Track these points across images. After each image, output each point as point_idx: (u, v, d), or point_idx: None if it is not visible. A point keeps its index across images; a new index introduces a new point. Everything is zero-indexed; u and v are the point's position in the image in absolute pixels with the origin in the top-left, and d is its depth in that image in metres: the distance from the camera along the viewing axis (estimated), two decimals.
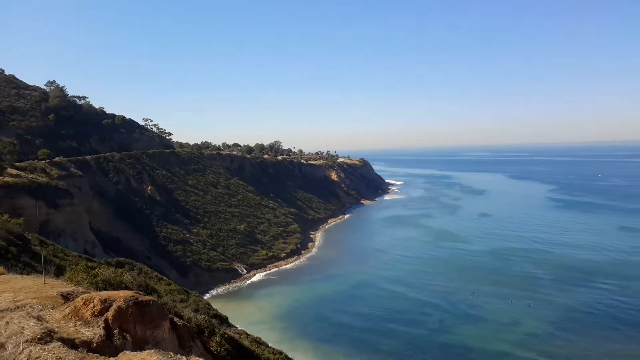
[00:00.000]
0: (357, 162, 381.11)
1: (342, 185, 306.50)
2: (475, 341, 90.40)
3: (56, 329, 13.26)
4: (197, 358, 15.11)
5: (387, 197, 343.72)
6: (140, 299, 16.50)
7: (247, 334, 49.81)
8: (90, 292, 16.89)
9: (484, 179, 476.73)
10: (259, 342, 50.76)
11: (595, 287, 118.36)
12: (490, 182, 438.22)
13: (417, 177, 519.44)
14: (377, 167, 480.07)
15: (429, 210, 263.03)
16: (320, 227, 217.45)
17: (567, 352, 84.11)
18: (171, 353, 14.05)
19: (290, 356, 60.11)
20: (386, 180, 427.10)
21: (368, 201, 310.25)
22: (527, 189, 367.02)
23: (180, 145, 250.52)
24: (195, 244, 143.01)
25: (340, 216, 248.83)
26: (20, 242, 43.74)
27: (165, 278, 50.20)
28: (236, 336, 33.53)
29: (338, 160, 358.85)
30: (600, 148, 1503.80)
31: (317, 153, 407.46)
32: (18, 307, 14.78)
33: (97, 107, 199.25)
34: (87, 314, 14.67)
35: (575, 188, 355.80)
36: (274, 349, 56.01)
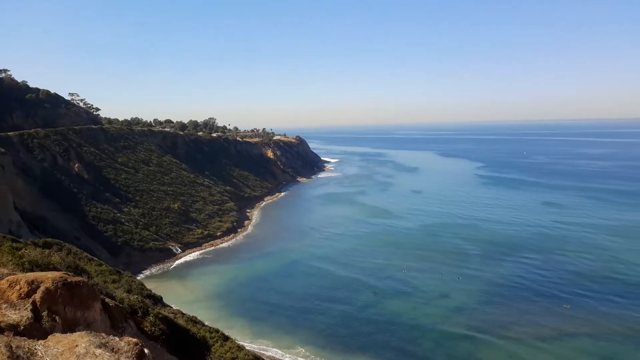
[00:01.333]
0: (293, 140, 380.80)
1: (279, 163, 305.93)
2: (407, 315, 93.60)
3: None
4: (130, 338, 14.88)
5: (322, 174, 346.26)
6: (69, 280, 16.04)
7: (183, 314, 49.43)
8: (16, 274, 16.25)
9: (415, 156, 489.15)
10: (194, 321, 50.51)
11: (518, 261, 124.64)
12: (422, 159, 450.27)
13: (352, 154, 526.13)
14: (313, 145, 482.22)
15: (363, 187, 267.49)
16: (256, 205, 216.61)
17: (492, 323, 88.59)
18: (103, 334, 13.80)
19: (227, 334, 60.26)
20: (322, 158, 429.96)
21: (304, 179, 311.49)
22: (456, 167, 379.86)
23: (109, 121, 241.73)
24: (127, 224, 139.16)
25: (277, 194, 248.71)
26: None
27: (95, 259, 48.74)
28: (171, 316, 33.24)
29: (274, 138, 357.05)
30: (525, 127, 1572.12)
31: (252, 131, 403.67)
32: None
33: (19, 80, 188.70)
34: (13, 297, 14.14)
35: (502, 165, 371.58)
36: (210, 328, 55.93)
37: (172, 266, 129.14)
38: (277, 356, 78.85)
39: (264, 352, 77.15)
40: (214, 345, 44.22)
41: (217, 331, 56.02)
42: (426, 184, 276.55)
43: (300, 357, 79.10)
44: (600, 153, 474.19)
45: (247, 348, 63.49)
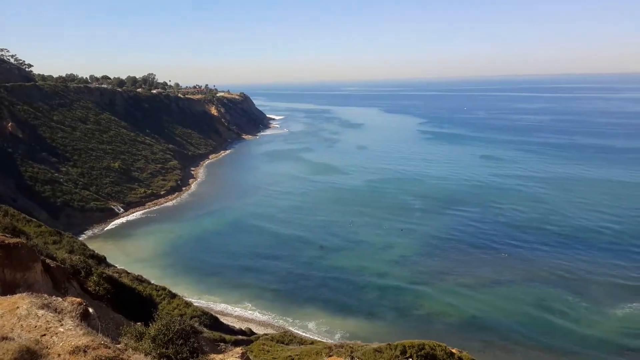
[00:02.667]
0: (237, 97, 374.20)
1: (223, 120, 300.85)
2: (352, 268, 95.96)
3: None
4: (74, 298, 14.72)
5: (268, 131, 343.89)
6: (6, 242, 15.61)
7: (128, 273, 49.03)
8: None
9: (360, 113, 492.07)
10: (140, 279, 50.25)
11: (458, 214, 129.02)
12: (366, 115, 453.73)
13: (298, 111, 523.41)
14: (258, 102, 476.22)
15: (309, 144, 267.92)
16: (201, 163, 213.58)
17: (434, 274, 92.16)
18: (45, 295, 13.58)
19: (174, 292, 60.35)
20: (267, 115, 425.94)
21: (249, 136, 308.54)
22: (399, 123, 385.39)
23: (43, 78, 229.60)
24: (66, 184, 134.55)
25: (222, 152, 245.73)
26: None
27: (34, 220, 47.29)
28: (115, 275, 32.88)
29: (217, 95, 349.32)
30: (466, 83, 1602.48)
31: (195, 87, 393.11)
32: None
33: None
34: None
35: (443, 121, 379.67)
36: (156, 286, 55.89)
37: (115, 226, 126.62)
38: (226, 310, 79.66)
39: (212, 308, 77.76)
40: (161, 302, 44.29)
41: (164, 289, 56.13)
42: (371, 140, 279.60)
43: (248, 310, 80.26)
44: (537, 107, 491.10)
45: (195, 304, 63.89)
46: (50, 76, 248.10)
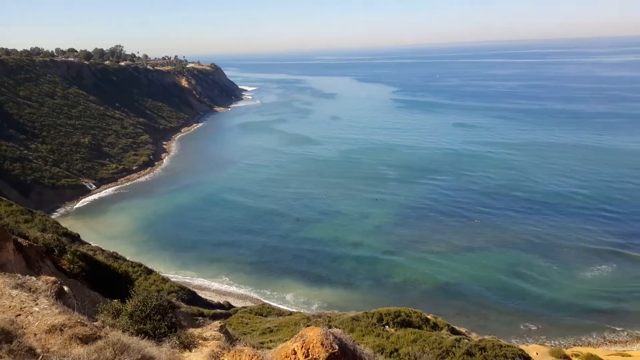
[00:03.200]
0: (208, 68, 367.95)
1: (194, 92, 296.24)
2: (328, 238, 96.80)
3: None
4: (48, 277, 14.63)
5: (241, 103, 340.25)
6: None
7: (102, 250, 48.72)
8: None
9: (333, 82, 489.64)
10: (115, 256, 49.97)
11: (431, 183, 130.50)
12: (340, 85, 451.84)
13: (270, 82, 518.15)
14: (230, 73, 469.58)
15: (282, 115, 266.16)
16: (173, 136, 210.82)
17: (408, 242, 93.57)
18: (19, 275, 13.48)
19: (150, 267, 60.21)
20: (239, 87, 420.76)
21: (222, 108, 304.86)
22: (373, 91, 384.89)
23: (6, 52, 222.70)
24: (35, 161, 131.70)
25: (194, 124, 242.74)
26: None
27: (4, 199, 46.45)
28: (90, 252, 32.62)
29: (188, 66, 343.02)
30: (438, 49, 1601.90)
31: (164, 58, 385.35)
32: None
33: None
34: None
35: (416, 89, 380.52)
36: (132, 262, 55.66)
37: (88, 203, 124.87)
38: (204, 285, 79.89)
39: (190, 282, 77.91)
40: (137, 279, 44.21)
41: (140, 265, 55.95)
42: (344, 110, 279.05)
43: (225, 284, 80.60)
44: (509, 74, 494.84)
45: (172, 280, 63.93)
46: (15, 50, 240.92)
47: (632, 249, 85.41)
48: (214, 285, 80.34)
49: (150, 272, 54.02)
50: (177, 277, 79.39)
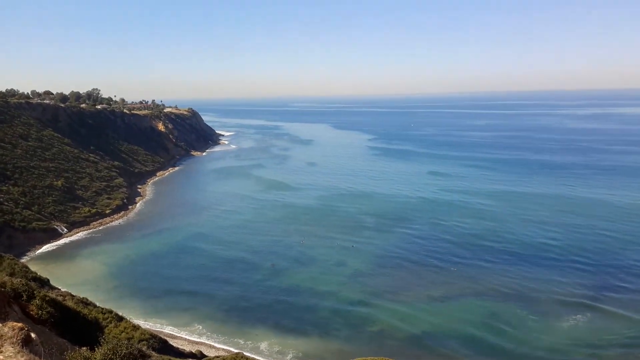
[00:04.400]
0: (185, 112, 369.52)
1: (171, 136, 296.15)
2: (304, 285, 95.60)
3: None
4: (15, 323, 14.05)
5: (218, 148, 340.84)
6: None
7: (72, 296, 47.18)
8: None
9: (310, 129, 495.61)
10: (85, 302, 48.43)
11: (407, 230, 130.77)
12: (316, 132, 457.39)
13: (248, 127, 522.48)
14: (207, 118, 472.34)
15: (259, 160, 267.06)
16: (148, 180, 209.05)
17: (385, 289, 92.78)
18: None
19: (121, 314, 58.43)
20: (217, 131, 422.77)
21: (198, 153, 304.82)
22: (349, 139, 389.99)
23: None
24: (6, 203, 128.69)
25: (170, 169, 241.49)
26: None
27: None
28: (59, 298, 31.57)
29: (165, 110, 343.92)
30: (412, 100, 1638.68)
31: (141, 102, 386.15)
32: None
33: None
34: None
35: (392, 137, 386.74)
36: (102, 309, 53.94)
37: (59, 247, 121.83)
38: (175, 333, 77.66)
39: (161, 331, 75.70)
40: (107, 326, 42.80)
41: (111, 312, 54.21)
42: (321, 156, 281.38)
43: (196, 334, 78.40)
44: (482, 124, 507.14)
45: (143, 327, 61.97)
46: None
47: (605, 300, 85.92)
48: (186, 334, 78.09)
49: (120, 319, 52.34)
50: (148, 324, 77.06)
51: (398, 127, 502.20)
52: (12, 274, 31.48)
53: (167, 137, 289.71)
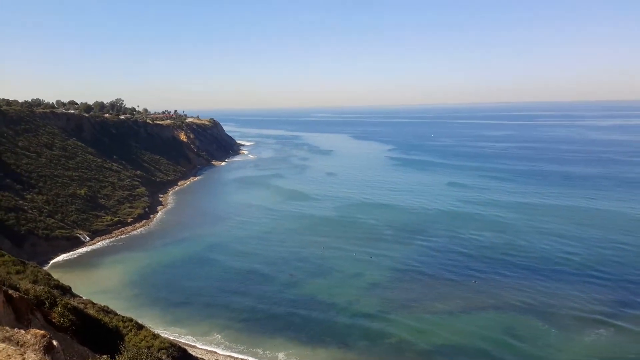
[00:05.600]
0: (207, 123, 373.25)
1: (192, 146, 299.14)
2: (323, 295, 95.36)
3: None
4: (37, 331, 14.33)
5: (238, 158, 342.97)
6: None
7: (93, 304, 47.74)
8: None
9: (330, 139, 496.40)
10: (106, 310, 48.97)
11: (426, 240, 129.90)
12: (336, 142, 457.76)
13: (268, 137, 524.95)
14: (228, 128, 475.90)
15: (279, 170, 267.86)
16: (169, 189, 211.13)
17: (404, 300, 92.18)
18: (7, 327, 13.21)
19: (141, 323, 58.88)
20: (237, 141, 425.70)
21: (219, 162, 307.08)
22: (368, 149, 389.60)
23: (8, 102, 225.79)
24: (30, 211, 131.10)
25: (191, 178, 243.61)
26: None
27: None
28: (81, 306, 32.04)
29: (187, 120, 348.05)
30: (432, 110, 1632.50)
31: (164, 112, 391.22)
32: None
33: None
34: None
35: (411, 147, 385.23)
36: (123, 317, 54.45)
37: (81, 255, 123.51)
38: (194, 342, 78.01)
39: (180, 339, 76.11)
40: (127, 334, 43.20)
41: (131, 320, 54.72)
42: (340, 166, 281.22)
43: (214, 344, 78.58)
44: (502, 135, 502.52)
45: (162, 336, 62.41)
46: (16, 101, 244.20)
47: (626, 317, 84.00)
48: (204, 343, 78.36)
49: (140, 327, 52.77)
50: (167, 333, 77.55)
51: (417, 137, 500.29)
52: (35, 282, 32.04)
53: (188, 147, 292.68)
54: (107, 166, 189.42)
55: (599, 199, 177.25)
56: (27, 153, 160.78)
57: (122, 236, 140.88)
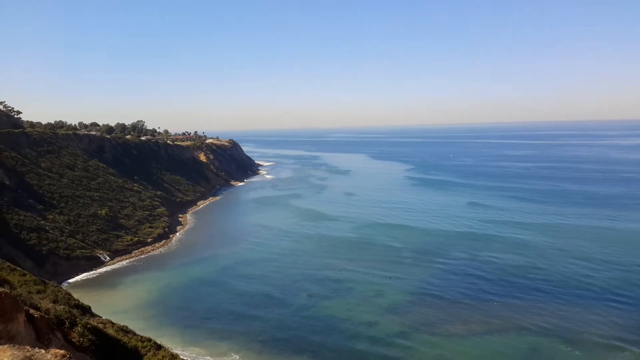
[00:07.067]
0: (226, 143, 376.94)
1: (212, 166, 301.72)
2: (341, 316, 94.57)
3: None
4: (57, 350, 14.42)
5: (257, 178, 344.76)
6: None
7: (113, 323, 47.90)
8: None
9: (348, 159, 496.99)
10: (125, 330, 49.07)
11: (446, 261, 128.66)
12: (354, 162, 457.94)
13: (287, 157, 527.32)
14: (247, 148, 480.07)
15: (298, 190, 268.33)
16: (189, 209, 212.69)
17: (424, 322, 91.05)
18: (28, 347, 13.31)
19: (159, 343, 58.82)
20: (256, 162, 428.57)
21: (238, 182, 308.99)
22: (387, 169, 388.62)
23: (32, 124, 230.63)
24: (52, 231, 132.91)
25: (210, 198, 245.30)
26: None
27: (19, 268, 46.47)
28: (100, 326, 32.20)
29: (207, 141, 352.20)
30: (451, 129, 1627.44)
31: (184, 134, 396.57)
32: None
33: None
34: None
35: (430, 167, 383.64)
36: (142, 337, 54.42)
37: (101, 275, 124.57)
38: None
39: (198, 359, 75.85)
40: (146, 354, 43.18)
41: (149, 340, 54.64)
42: (358, 187, 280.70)
43: None
44: (523, 154, 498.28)
45: (181, 356, 62.26)
46: (39, 123, 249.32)
47: None
48: None
49: (159, 347, 52.64)
50: (186, 353, 77.44)
51: (435, 157, 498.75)
52: (55, 301, 32.32)
53: (208, 167, 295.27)
54: (127, 186, 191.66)
55: (621, 219, 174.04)
56: (50, 174, 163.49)
57: (142, 256, 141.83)
